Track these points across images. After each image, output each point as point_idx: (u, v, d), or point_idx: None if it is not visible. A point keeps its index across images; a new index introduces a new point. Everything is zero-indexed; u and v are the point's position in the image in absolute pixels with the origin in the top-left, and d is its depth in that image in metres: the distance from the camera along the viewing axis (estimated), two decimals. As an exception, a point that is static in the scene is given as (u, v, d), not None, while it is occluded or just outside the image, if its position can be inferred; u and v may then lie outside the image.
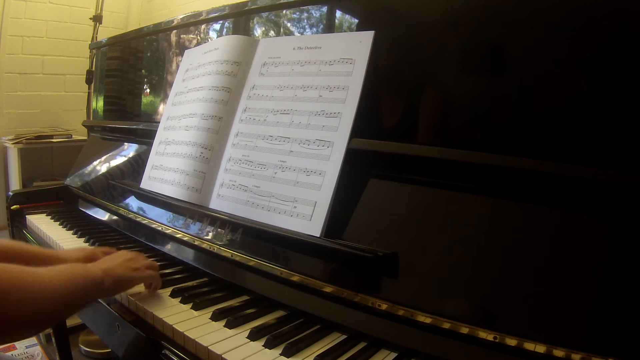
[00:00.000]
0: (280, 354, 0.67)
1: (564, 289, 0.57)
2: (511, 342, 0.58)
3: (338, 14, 0.96)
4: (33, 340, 1.83)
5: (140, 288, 0.89)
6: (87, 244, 1.19)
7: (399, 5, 0.85)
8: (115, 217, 1.32)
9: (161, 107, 1.42)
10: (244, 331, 0.73)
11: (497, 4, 0.73)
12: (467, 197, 0.70)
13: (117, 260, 0.83)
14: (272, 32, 1.10)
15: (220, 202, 0.97)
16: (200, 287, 0.91)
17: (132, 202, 1.24)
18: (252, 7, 1.11)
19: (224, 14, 1.20)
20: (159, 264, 1.02)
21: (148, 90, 1.55)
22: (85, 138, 2.06)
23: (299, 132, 0.88)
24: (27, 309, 0.61)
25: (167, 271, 0.99)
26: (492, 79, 0.74)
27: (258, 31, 1.14)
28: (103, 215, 1.38)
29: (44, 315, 0.64)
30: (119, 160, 1.49)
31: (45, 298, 0.64)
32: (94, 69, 2.10)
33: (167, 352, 0.72)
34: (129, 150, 1.47)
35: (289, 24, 1.06)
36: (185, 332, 0.72)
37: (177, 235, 1.03)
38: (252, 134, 0.97)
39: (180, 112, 1.14)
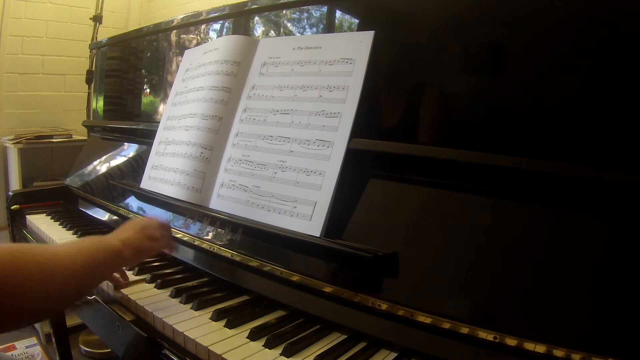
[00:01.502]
0: (280, 354, 0.67)
1: (563, 289, 0.57)
2: (511, 342, 0.58)
3: (338, 14, 0.96)
4: (33, 340, 1.82)
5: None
6: (87, 244, 1.19)
7: (399, 5, 0.85)
8: (115, 217, 1.32)
9: (161, 107, 1.42)
10: (244, 331, 0.73)
11: (497, 4, 0.73)
12: (467, 197, 0.70)
13: (134, 228, 0.84)
14: (272, 32, 1.10)
15: (220, 202, 0.97)
16: (200, 287, 0.91)
17: (132, 202, 1.24)
18: (252, 7, 1.11)
19: (224, 14, 1.20)
20: (158, 264, 1.03)
21: (148, 90, 1.55)
22: (85, 138, 2.06)
23: (299, 132, 0.88)
24: (50, 288, 0.61)
25: (167, 271, 0.99)
26: (492, 79, 0.74)
27: (258, 31, 1.14)
28: (103, 215, 1.38)
29: (67, 293, 0.66)
30: (119, 160, 1.49)
31: (67, 276, 0.64)
32: (94, 69, 2.10)
33: (167, 352, 0.72)
34: (129, 150, 1.47)
35: (289, 24, 1.06)
36: (185, 332, 0.72)
37: (177, 235, 1.03)
38: (252, 134, 0.97)
39: (181, 112, 1.14)
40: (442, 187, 0.73)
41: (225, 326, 0.75)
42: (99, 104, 1.81)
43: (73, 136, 2.46)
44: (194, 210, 1.01)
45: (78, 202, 1.55)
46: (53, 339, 1.65)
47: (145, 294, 0.87)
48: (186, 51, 1.24)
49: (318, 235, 0.79)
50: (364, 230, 0.78)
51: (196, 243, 0.98)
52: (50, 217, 1.45)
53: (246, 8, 1.12)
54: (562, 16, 0.66)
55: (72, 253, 0.68)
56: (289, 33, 1.05)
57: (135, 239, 0.81)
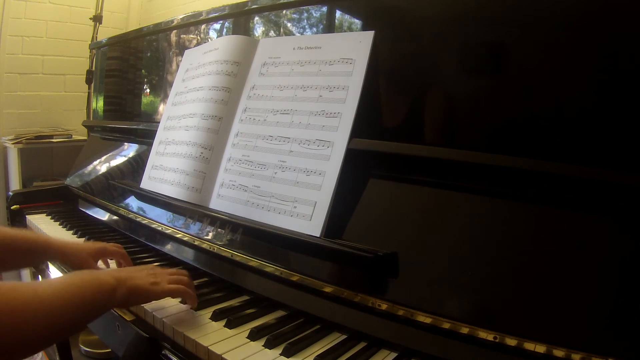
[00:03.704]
0: (280, 354, 0.67)
1: (564, 289, 0.57)
2: (511, 342, 0.58)
3: (338, 14, 0.96)
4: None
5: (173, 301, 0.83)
6: (87, 244, 1.19)
7: (400, 5, 0.85)
8: (115, 217, 1.32)
9: (161, 107, 1.42)
10: (244, 331, 0.73)
11: (498, 4, 0.73)
12: (467, 197, 0.70)
13: (139, 272, 0.75)
14: (272, 32, 1.10)
15: (220, 202, 0.97)
16: (200, 287, 0.91)
17: (132, 202, 1.24)
18: (252, 7, 1.10)
19: (224, 14, 1.20)
20: (158, 264, 1.03)
21: (148, 90, 1.55)
22: (85, 138, 2.06)
23: (299, 132, 0.88)
24: (28, 329, 0.56)
25: (167, 271, 0.99)
26: (492, 80, 0.74)
27: (258, 31, 1.14)
28: (103, 216, 1.38)
29: (46, 336, 0.59)
30: (119, 160, 1.49)
31: (48, 318, 0.58)
32: (94, 69, 2.10)
33: (167, 352, 0.72)
34: (129, 150, 1.47)
35: (289, 24, 1.06)
36: (185, 332, 0.72)
37: (177, 235, 1.03)
38: (252, 134, 0.97)
39: (180, 112, 1.14)
40: (442, 187, 0.72)
41: (225, 326, 0.75)
42: (99, 104, 1.81)
43: (73, 136, 2.46)
44: (194, 210, 1.01)
45: (78, 202, 1.55)
46: (53, 339, 1.65)
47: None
48: (186, 51, 1.24)
49: (318, 235, 0.79)
50: (364, 230, 0.78)
51: (196, 243, 0.98)
52: (50, 217, 1.45)
53: (246, 8, 1.12)
54: (562, 16, 0.66)
55: (55, 292, 0.61)
56: (289, 33, 1.05)
57: (135, 280, 0.71)
